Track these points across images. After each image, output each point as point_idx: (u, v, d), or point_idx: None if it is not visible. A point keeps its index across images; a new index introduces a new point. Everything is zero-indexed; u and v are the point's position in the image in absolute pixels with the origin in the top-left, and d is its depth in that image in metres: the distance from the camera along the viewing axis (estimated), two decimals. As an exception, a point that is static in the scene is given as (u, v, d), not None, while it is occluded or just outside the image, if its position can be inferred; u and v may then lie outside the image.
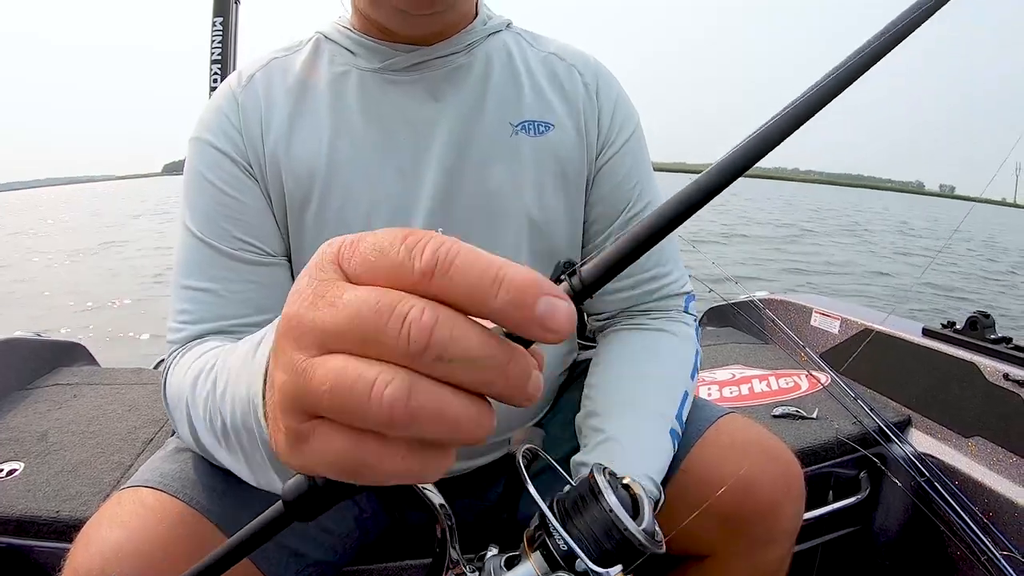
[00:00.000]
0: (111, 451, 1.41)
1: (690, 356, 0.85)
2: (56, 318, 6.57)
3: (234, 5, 2.53)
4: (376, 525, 0.91)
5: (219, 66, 2.45)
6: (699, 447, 0.78)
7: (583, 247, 0.89)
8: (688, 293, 0.92)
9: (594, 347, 0.95)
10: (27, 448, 1.43)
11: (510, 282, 0.24)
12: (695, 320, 0.91)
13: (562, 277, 0.29)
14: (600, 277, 0.28)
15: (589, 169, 0.85)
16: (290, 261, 0.81)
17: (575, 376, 0.97)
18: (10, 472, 1.32)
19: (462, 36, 0.80)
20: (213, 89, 2.43)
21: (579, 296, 0.29)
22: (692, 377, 0.83)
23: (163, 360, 2.24)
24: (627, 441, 0.72)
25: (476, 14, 0.84)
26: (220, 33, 2.46)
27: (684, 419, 0.78)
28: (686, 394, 0.79)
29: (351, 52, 0.80)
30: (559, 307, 0.24)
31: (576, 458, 0.73)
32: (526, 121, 0.81)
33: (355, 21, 0.82)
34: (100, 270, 10.24)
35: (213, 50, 2.46)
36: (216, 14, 2.48)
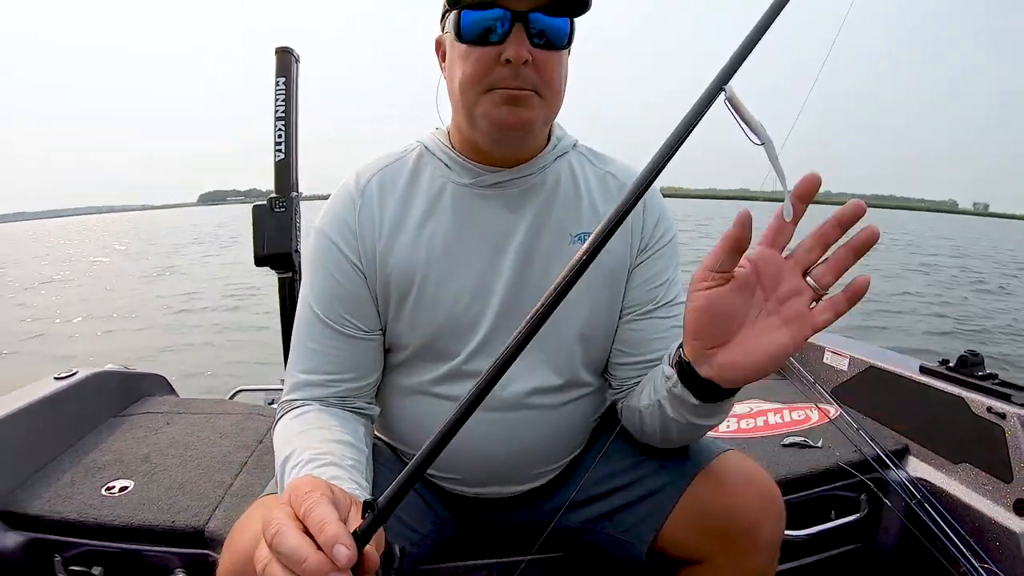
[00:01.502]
0: (211, 472, 1.63)
1: None
2: (126, 350, 6.91)
3: (295, 64, 2.69)
4: (449, 530, 1.12)
5: (283, 123, 2.63)
6: (698, 478, 0.98)
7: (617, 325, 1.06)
8: None
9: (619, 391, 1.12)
10: (133, 468, 1.65)
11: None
12: None
13: (366, 513, 0.54)
14: (392, 500, 0.53)
15: (631, 264, 1.03)
16: (384, 332, 1.02)
17: (606, 420, 1.15)
18: (122, 489, 1.54)
19: (537, 160, 0.98)
20: (278, 144, 2.61)
21: (376, 521, 0.53)
22: None
23: (239, 391, 2.50)
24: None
25: (549, 139, 1.01)
26: (284, 92, 2.64)
27: None
28: None
29: (448, 167, 0.98)
30: None
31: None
32: (583, 232, 0.99)
33: (454, 138, 1.00)
34: (160, 300, 10.60)
35: (277, 108, 2.63)
36: (279, 74, 2.63)
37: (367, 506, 0.54)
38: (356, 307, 0.98)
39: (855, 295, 0.62)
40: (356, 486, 0.78)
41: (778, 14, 0.67)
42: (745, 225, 0.63)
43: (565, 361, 1.01)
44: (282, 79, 2.66)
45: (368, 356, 1.00)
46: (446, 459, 1.05)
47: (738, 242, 0.64)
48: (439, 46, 0.94)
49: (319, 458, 0.80)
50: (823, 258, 0.65)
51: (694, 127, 0.60)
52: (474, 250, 0.97)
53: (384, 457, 1.07)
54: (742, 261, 0.67)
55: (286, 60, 2.68)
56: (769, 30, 0.65)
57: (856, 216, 0.62)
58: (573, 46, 0.90)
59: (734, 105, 0.64)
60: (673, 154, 0.59)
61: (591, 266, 0.96)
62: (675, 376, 0.80)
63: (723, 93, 0.64)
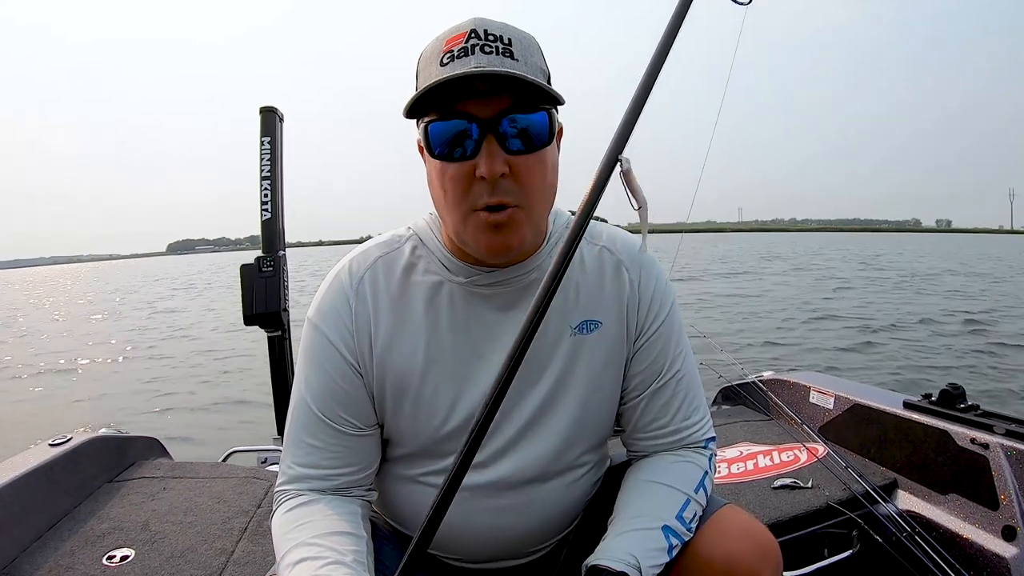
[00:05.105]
0: (212, 539, 1.63)
1: (697, 476, 1.02)
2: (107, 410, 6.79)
3: (279, 124, 2.70)
4: None
5: (268, 182, 2.63)
6: (699, 534, 0.99)
7: (620, 404, 1.06)
8: (710, 438, 1.08)
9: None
10: (133, 536, 1.64)
11: None
12: (712, 454, 1.08)
13: None
14: None
15: (628, 351, 1.01)
16: (381, 427, 1.01)
17: (602, 488, 1.15)
18: (123, 558, 1.54)
19: (533, 259, 0.96)
20: (264, 204, 2.63)
21: None
22: (696, 491, 1.00)
23: (233, 452, 2.50)
24: (618, 537, 0.92)
25: (545, 235, 0.98)
26: (269, 152, 2.64)
27: (686, 518, 0.96)
28: (688, 500, 0.98)
29: (443, 265, 0.96)
30: None
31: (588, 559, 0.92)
32: (584, 321, 0.98)
33: (447, 243, 0.96)
34: (141, 357, 10.33)
35: (262, 167, 2.63)
36: (264, 134, 2.65)
37: None
38: (353, 406, 0.97)
39: None
40: None
41: (654, 82, 0.77)
42: None
43: (565, 445, 1.01)
44: (267, 139, 2.67)
45: (366, 451, 1.00)
46: (449, 540, 1.04)
47: None
48: (421, 148, 0.89)
49: (322, 557, 0.83)
50: None
51: (599, 198, 0.75)
52: (472, 350, 0.96)
53: (383, 534, 1.06)
54: None
55: (270, 120, 2.68)
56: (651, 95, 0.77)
57: None
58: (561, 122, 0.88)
59: (627, 178, 0.77)
60: (586, 223, 0.74)
61: (589, 351, 1.00)
62: None
63: (619, 165, 0.75)
